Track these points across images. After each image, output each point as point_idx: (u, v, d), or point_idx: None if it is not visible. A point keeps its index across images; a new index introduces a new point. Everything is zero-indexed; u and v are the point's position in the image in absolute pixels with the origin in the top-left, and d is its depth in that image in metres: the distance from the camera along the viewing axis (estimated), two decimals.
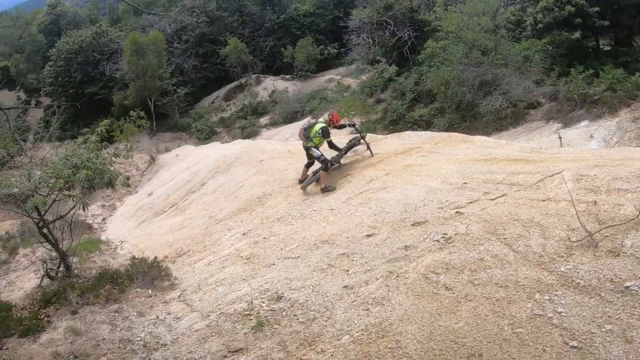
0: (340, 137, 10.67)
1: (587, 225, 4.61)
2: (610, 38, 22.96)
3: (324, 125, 9.10)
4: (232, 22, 44.36)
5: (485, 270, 4.59)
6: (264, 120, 35.92)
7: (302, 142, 9.38)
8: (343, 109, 23.82)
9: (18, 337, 5.74)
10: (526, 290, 4.23)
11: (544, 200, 5.41)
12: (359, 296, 4.81)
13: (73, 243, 8.34)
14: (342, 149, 9.51)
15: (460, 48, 22.12)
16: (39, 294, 7.10)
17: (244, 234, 8.66)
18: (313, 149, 9.07)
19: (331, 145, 9.33)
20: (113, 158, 8.08)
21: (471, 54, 21.71)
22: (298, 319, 4.89)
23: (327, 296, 5.03)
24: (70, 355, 5.24)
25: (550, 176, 5.94)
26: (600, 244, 4.40)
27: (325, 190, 8.65)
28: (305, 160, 9.53)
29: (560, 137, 15.25)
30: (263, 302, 5.35)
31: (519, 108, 20.05)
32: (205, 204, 12.64)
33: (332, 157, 9.32)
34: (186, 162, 21.13)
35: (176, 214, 13.76)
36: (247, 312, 5.30)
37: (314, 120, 9.46)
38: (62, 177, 6.83)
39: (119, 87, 38.70)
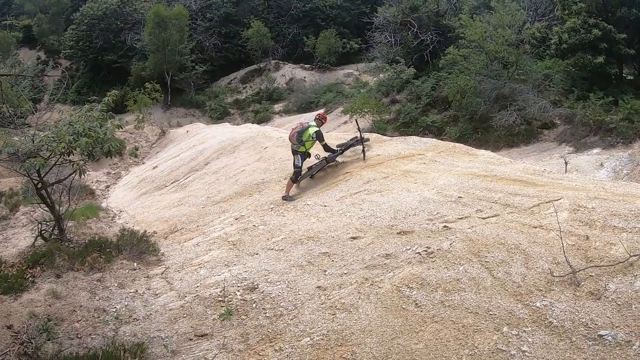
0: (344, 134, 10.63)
1: (573, 261, 4.47)
2: (635, 67, 22.55)
3: (317, 128, 8.95)
4: (258, 6, 44.31)
5: (459, 293, 4.48)
6: (277, 107, 35.89)
7: (291, 145, 9.11)
8: (356, 104, 23.70)
9: (0, 294, 5.77)
10: (495, 321, 4.09)
11: (535, 227, 5.29)
12: (329, 299, 4.78)
13: (70, 207, 8.42)
14: (339, 149, 9.49)
15: (481, 58, 21.86)
16: (30, 253, 7.16)
17: (236, 219, 8.66)
18: (298, 155, 8.93)
19: (327, 149, 9.16)
20: (116, 129, 8.19)
21: (492, 66, 21.44)
22: (266, 313, 4.86)
23: (298, 294, 5.00)
24: (45, 317, 5.28)
25: (547, 202, 5.84)
26: (582, 283, 4.25)
27: (285, 199, 8.68)
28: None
29: (566, 162, 14.93)
30: (238, 291, 5.34)
31: (533, 126, 19.78)
32: (206, 184, 12.67)
33: (312, 165, 9.34)
34: (194, 139, 21.18)
35: (176, 190, 13.80)
36: (220, 299, 5.30)
37: (306, 124, 9.19)
38: (63, 141, 6.90)
39: (138, 58, 38.90)
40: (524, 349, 3.77)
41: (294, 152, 9.09)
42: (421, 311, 4.36)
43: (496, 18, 20.99)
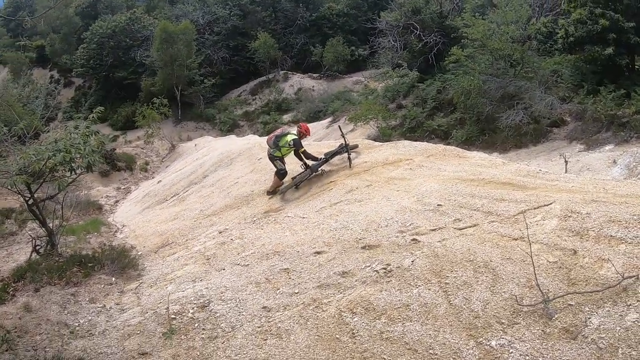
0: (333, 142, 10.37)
1: (552, 284, 3.72)
2: None
3: (296, 137, 8.96)
4: (265, 17, 44.52)
5: (404, 322, 3.93)
6: (286, 117, 35.90)
7: (268, 149, 9.22)
8: (360, 112, 23.43)
9: None
10: None
11: (515, 239, 4.58)
12: (268, 321, 4.47)
13: (63, 223, 8.51)
14: (323, 157, 9.26)
15: (486, 57, 21.30)
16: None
17: (219, 232, 8.50)
18: (278, 160, 8.99)
19: (307, 156, 9.05)
20: (100, 144, 8.29)
21: (497, 64, 20.86)
22: (203, 334, 4.60)
23: (242, 314, 4.72)
24: (14, 329, 5.27)
25: (535, 208, 5.19)
26: (557, 315, 3.45)
27: (270, 193, 8.87)
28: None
29: (566, 161, 14.03)
30: (192, 308, 5.12)
31: (542, 125, 19.05)
32: (202, 197, 12.58)
33: (296, 175, 9.16)
34: (199, 153, 21.25)
35: (175, 204, 13.75)
36: (173, 316, 5.07)
37: (286, 130, 9.32)
38: (42, 159, 7.15)
39: (147, 74, 39.38)
40: None
41: (272, 159, 9.13)
42: (354, 343, 3.87)
43: (499, 15, 20.45)
